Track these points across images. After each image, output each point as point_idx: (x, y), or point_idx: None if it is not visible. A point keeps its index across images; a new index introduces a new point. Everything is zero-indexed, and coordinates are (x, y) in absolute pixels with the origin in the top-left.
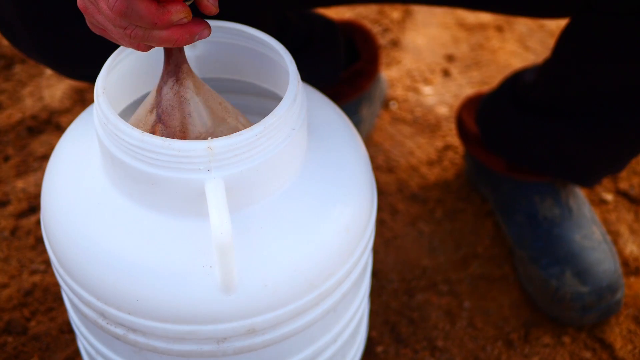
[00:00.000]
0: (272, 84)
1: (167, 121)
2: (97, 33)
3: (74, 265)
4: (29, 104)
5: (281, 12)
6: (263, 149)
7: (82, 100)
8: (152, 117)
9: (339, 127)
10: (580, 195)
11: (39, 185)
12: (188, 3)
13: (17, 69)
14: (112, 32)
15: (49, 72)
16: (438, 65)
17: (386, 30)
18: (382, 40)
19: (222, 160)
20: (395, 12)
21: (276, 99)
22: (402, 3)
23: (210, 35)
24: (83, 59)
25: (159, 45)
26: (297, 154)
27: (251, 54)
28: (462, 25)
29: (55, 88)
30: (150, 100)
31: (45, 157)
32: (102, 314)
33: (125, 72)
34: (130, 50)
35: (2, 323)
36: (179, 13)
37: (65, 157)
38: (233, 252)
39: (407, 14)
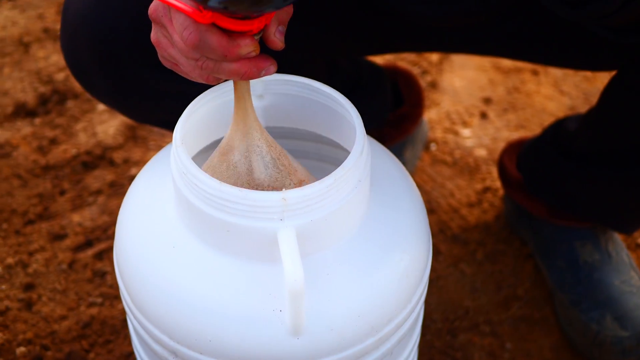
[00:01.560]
0: (333, 133)
1: (236, 167)
2: (168, 66)
3: (147, 304)
4: (83, 140)
5: (332, 59)
6: (332, 199)
7: (134, 137)
8: (225, 164)
9: (397, 175)
10: (618, 240)
11: (94, 220)
12: (256, 38)
13: (70, 104)
14: (184, 65)
15: (101, 107)
16: (476, 107)
17: (425, 72)
18: (421, 82)
19: (295, 210)
20: (433, 55)
21: (335, 145)
22: (443, 52)
23: (278, 87)
24: (153, 107)
25: (228, 77)
26: (361, 203)
27: (315, 105)
28: (499, 69)
29: (107, 124)
30: (222, 146)
31: (100, 192)
32: (174, 353)
33: (200, 120)
34: (204, 101)
35: (63, 354)
36: (248, 46)
37: (139, 197)
38: (304, 298)
39: (445, 56)
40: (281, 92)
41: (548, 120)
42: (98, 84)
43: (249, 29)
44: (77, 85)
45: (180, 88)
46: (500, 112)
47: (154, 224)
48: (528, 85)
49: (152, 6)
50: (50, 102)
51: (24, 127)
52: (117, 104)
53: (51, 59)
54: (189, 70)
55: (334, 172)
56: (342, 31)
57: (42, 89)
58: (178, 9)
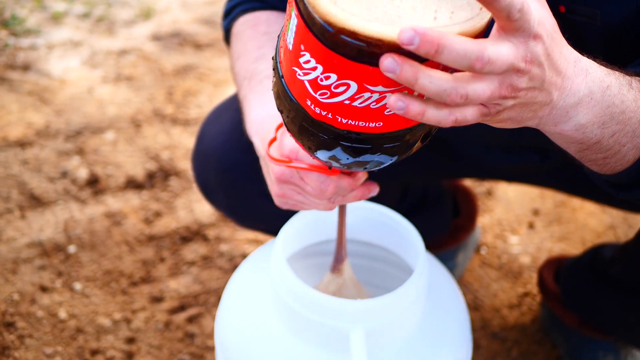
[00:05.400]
0: (398, 249)
1: (332, 281)
2: (285, 208)
3: None
4: (182, 215)
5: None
6: (395, 309)
7: (225, 218)
8: (325, 279)
9: (447, 287)
10: (637, 355)
11: (188, 287)
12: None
13: (173, 180)
14: (310, 205)
15: None
16: (525, 217)
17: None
18: (478, 189)
19: (365, 315)
20: None
21: (400, 266)
22: (502, 181)
23: (360, 212)
24: (259, 221)
25: (353, 201)
26: (418, 311)
27: (387, 228)
28: None
29: (203, 203)
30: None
31: (193, 263)
32: None
33: (298, 230)
34: (300, 216)
35: None
36: (363, 176)
37: (240, 291)
38: None
39: None
40: (362, 215)
41: (589, 235)
42: (220, 201)
43: None
44: (179, 164)
45: (282, 211)
46: (547, 224)
47: (253, 317)
48: (574, 201)
49: (278, 171)
50: (155, 177)
51: (133, 199)
52: (232, 215)
53: (158, 137)
54: (315, 206)
55: (397, 289)
56: (422, 169)
57: (149, 165)
58: (314, 171)
